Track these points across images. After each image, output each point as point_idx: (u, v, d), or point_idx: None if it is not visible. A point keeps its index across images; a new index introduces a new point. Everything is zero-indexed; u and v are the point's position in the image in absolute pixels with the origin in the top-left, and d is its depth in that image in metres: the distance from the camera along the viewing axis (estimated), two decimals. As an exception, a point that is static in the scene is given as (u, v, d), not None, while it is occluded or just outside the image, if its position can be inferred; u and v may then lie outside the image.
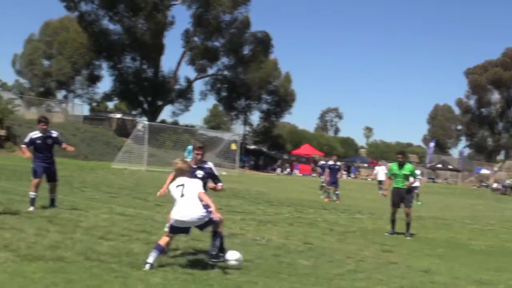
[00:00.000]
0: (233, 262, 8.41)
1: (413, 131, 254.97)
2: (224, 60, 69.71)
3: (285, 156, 78.08)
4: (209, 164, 9.52)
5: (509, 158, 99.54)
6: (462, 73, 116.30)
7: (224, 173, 43.11)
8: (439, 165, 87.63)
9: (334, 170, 25.24)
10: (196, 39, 66.70)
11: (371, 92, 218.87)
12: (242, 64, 68.75)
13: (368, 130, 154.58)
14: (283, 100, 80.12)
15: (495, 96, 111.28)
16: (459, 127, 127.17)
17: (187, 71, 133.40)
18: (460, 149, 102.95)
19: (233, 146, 50.61)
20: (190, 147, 37.66)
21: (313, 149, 75.85)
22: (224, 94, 75.93)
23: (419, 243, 13.29)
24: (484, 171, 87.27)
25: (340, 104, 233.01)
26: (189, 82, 70.35)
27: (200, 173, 9.32)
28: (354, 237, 13.22)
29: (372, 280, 8.47)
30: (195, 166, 9.31)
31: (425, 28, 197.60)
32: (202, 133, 64.60)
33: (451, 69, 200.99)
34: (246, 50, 69.10)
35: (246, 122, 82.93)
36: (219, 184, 9.58)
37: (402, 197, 14.48)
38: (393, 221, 14.66)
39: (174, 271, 7.78)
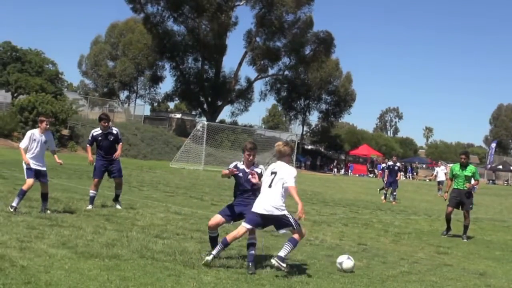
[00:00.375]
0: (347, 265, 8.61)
1: (474, 131, 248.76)
2: (285, 60, 69.46)
3: (343, 157, 77.53)
4: (260, 168, 9.01)
5: None
6: None
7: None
8: (500, 166, 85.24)
9: (393, 171, 24.98)
10: (258, 39, 66.62)
11: (432, 91, 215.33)
12: (303, 64, 68.31)
13: (428, 130, 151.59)
14: (342, 100, 79.45)
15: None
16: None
17: (248, 71, 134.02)
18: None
19: (289, 146, 50.57)
20: None
21: (371, 149, 75.15)
22: (283, 94, 75.97)
23: (475, 245, 13.05)
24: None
25: (400, 104, 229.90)
26: (250, 83, 70.53)
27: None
28: (409, 238, 13.08)
29: (426, 283, 8.36)
30: (247, 170, 8.79)
31: (488, 27, 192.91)
32: (260, 133, 64.84)
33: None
34: (307, 50, 68.45)
35: (304, 122, 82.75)
36: None
37: (461, 199, 14.22)
38: (448, 221, 14.39)
39: (227, 270, 7.85)
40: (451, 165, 20.58)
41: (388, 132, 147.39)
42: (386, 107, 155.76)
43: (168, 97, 72.54)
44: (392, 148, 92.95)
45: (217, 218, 8.80)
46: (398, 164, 25.70)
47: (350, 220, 15.62)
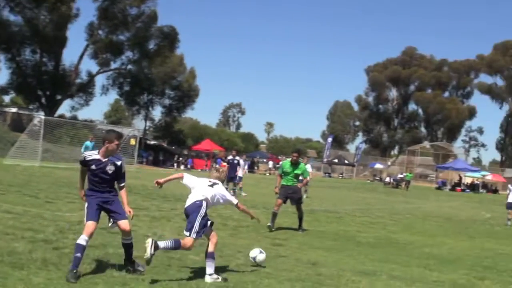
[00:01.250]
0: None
1: (313, 127, 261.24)
2: (129, 54, 68.63)
3: (185, 152, 77.80)
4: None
5: (402, 153, 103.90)
6: (363, 70, 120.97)
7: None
8: (335, 160, 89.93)
9: (232, 165, 25.35)
10: (100, 32, 65.14)
11: (273, 87, 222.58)
12: (146, 59, 67.78)
13: (269, 125, 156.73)
14: (186, 95, 79.99)
15: (393, 93, 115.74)
16: (357, 123, 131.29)
17: (89, 65, 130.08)
18: (357, 144, 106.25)
19: (132, 141, 49.84)
20: (87, 143, 37.33)
21: (213, 144, 75.98)
22: (126, 88, 74.51)
23: (309, 236, 13.59)
24: (378, 166, 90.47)
25: (243, 99, 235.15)
26: (91, 76, 68.58)
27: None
28: (247, 231, 13.36)
29: (261, 274, 8.56)
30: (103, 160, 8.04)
31: (328, 25, 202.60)
32: (102, 128, 63.34)
33: (353, 66, 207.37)
34: (151, 45, 68.22)
35: (147, 117, 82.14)
36: None
37: (290, 195, 14.63)
38: (274, 214, 14.60)
39: (58, 270, 7.56)
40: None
41: (231, 127, 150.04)
42: (229, 103, 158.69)
43: (3, 90, 68.49)
44: (234, 143, 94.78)
45: None
46: (237, 158, 26.14)
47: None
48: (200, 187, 8.49)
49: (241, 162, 27.33)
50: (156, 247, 7.69)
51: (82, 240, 7.57)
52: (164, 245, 7.88)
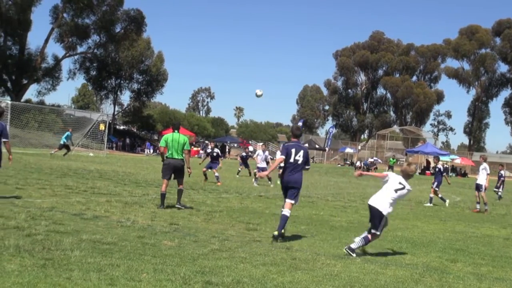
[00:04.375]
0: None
1: (283, 111, 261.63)
2: (95, 38, 68.14)
3: (155, 137, 77.45)
4: None
5: (372, 138, 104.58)
6: (331, 55, 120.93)
7: (91, 154, 42.04)
8: (306, 145, 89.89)
9: (212, 157, 25.54)
10: (65, 15, 64.23)
11: (242, 72, 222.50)
12: (113, 43, 67.28)
13: (239, 110, 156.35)
14: (154, 79, 79.43)
15: (361, 77, 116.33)
16: (327, 107, 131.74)
17: (55, 49, 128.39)
18: (327, 128, 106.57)
19: (101, 127, 49.42)
20: (68, 133, 37.50)
21: (183, 130, 75.54)
22: (93, 73, 73.94)
23: (283, 221, 13.59)
24: (348, 150, 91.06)
25: (212, 84, 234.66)
26: (57, 60, 67.78)
27: None
28: (220, 216, 13.30)
29: (236, 259, 8.52)
30: None
31: (297, 8, 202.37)
32: (70, 113, 62.64)
33: (321, 51, 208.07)
34: (118, 28, 67.73)
35: (116, 102, 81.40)
36: None
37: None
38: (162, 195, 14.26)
39: (32, 257, 7.40)
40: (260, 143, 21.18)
41: (201, 112, 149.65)
42: (198, 87, 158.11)
43: (-34, 75, 67.37)
44: (204, 127, 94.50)
45: None
46: (216, 150, 26.21)
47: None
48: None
49: (260, 152, 27.48)
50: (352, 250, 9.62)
51: None
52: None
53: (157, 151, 65.39)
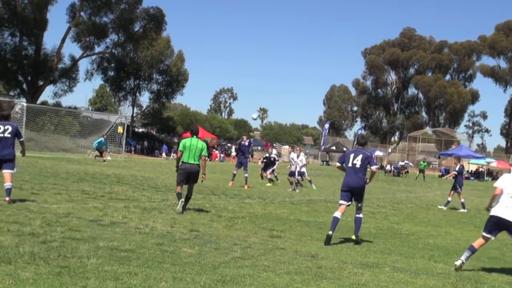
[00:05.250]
0: None
1: (309, 112, 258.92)
2: (113, 37, 67.51)
3: (176, 140, 77.17)
4: None
5: (403, 140, 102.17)
6: (360, 53, 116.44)
7: (109, 158, 41.84)
8: (333, 148, 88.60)
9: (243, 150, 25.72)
10: (83, 14, 63.93)
11: (267, 72, 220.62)
12: (132, 42, 66.73)
13: (263, 111, 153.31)
14: (175, 80, 78.91)
15: (392, 76, 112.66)
16: (355, 108, 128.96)
17: (72, 49, 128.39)
18: (355, 130, 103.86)
19: (120, 129, 49.22)
20: (101, 139, 38.09)
21: (205, 132, 75.46)
22: (111, 73, 73.46)
23: (308, 227, 13.22)
24: (378, 153, 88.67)
25: (234, 84, 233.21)
26: (74, 61, 67.32)
27: None
28: (242, 223, 12.95)
29: (258, 267, 8.26)
30: None
31: (324, 7, 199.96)
32: (87, 115, 62.67)
33: (349, 49, 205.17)
34: (137, 27, 67.15)
35: (135, 104, 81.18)
36: None
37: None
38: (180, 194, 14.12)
39: (47, 265, 7.20)
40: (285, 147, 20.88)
41: (223, 114, 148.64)
42: (220, 88, 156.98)
43: (-19, 76, 67.32)
44: (227, 130, 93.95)
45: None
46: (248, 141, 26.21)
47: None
48: None
49: (300, 156, 26.52)
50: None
51: None
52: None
53: (173, 155, 65.28)
